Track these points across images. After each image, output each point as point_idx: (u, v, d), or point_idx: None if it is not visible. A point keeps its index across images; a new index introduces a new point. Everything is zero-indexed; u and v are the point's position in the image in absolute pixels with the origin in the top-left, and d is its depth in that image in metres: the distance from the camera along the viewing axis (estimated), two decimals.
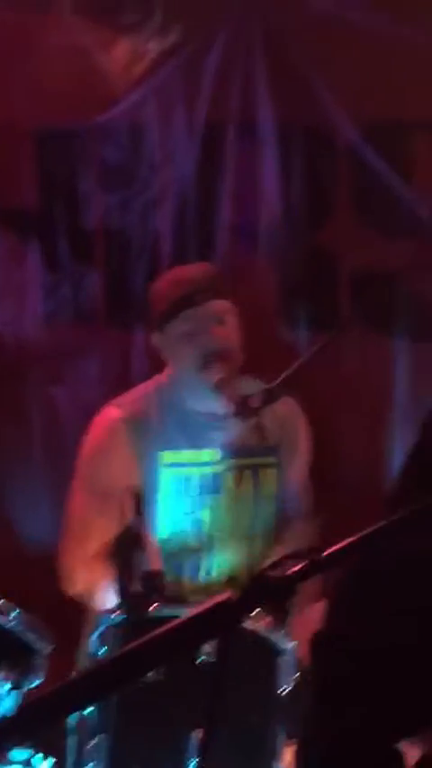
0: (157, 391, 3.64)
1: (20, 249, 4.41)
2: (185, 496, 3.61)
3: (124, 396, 3.69)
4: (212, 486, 3.62)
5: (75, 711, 1.52)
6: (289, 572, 1.40)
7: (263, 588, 1.40)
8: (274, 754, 2.93)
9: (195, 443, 3.61)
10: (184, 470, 3.60)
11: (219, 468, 3.62)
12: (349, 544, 1.40)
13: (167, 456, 3.60)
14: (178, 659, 2.81)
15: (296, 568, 1.40)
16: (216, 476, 3.62)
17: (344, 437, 4.09)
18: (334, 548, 1.41)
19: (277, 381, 3.57)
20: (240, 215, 4.22)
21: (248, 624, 2.92)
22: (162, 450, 3.58)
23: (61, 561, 3.58)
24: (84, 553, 3.47)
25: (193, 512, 3.61)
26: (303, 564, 1.41)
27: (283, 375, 3.57)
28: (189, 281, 3.58)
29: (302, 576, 1.39)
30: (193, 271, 3.68)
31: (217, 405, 3.58)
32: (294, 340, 4.14)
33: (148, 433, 3.59)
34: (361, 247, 4.09)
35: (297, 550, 1.38)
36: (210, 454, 3.62)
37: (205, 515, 3.61)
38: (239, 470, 3.64)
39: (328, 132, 4.10)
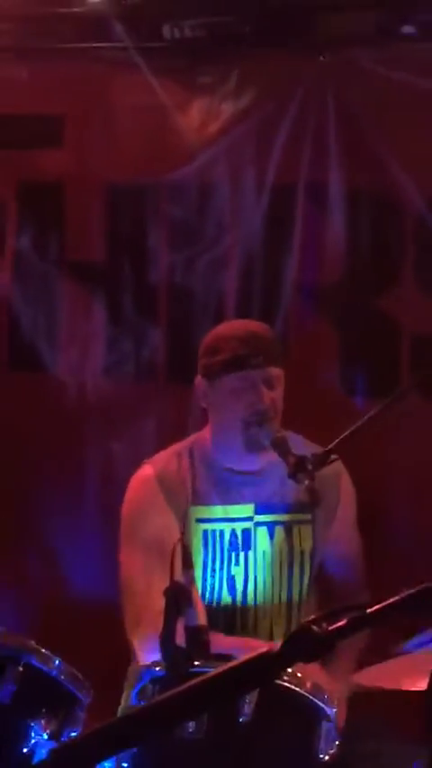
0: (191, 447, 3.66)
1: (86, 301, 4.45)
2: (217, 553, 3.60)
3: (158, 454, 3.71)
4: (244, 543, 3.61)
5: (109, 755, 1.50)
6: (331, 627, 1.37)
7: (304, 642, 1.38)
8: None
9: (227, 499, 3.60)
10: (216, 526, 3.60)
11: (250, 525, 3.61)
12: (392, 603, 1.38)
13: (199, 511, 3.60)
14: (219, 717, 2.79)
15: (339, 624, 1.38)
16: (247, 532, 3.61)
17: (396, 506, 4.05)
18: (377, 606, 1.39)
19: (333, 444, 3.55)
20: (305, 277, 4.23)
21: (293, 686, 2.89)
22: (193, 506, 3.58)
23: (124, 619, 3.57)
24: (144, 610, 3.44)
25: (224, 569, 3.60)
26: (346, 620, 1.39)
27: (338, 438, 3.55)
28: (252, 339, 3.57)
29: (345, 632, 1.37)
30: (257, 329, 3.66)
31: (252, 460, 3.58)
32: (351, 403, 4.12)
33: (179, 488, 3.59)
34: (423, 315, 4.08)
35: (341, 606, 1.36)
36: (242, 510, 3.62)
37: (237, 572, 3.60)
38: (272, 526, 3.63)
39: (396, 200, 4.11)
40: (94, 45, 4.33)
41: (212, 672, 1.44)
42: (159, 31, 4.21)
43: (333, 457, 3.51)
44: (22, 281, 4.49)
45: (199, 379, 3.65)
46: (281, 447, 3.54)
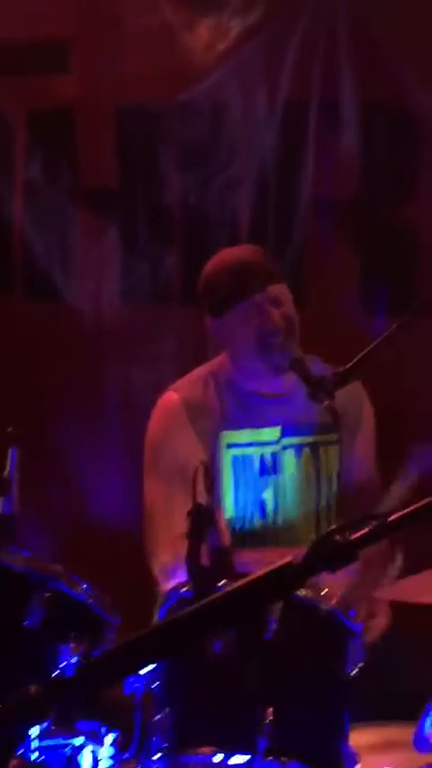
0: (214, 373, 3.66)
1: (99, 227, 4.44)
2: (247, 477, 3.63)
3: (182, 379, 3.72)
4: (273, 467, 3.63)
5: (134, 670, 1.53)
6: (353, 536, 1.39)
7: (326, 551, 1.39)
8: (342, 735, 2.91)
9: (254, 423, 3.61)
10: (244, 450, 3.62)
11: (278, 448, 3.63)
12: (413, 511, 1.39)
13: (228, 437, 3.62)
14: (246, 635, 2.82)
15: (360, 533, 1.39)
16: (275, 455, 3.63)
17: (415, 426, 4.05)
18: (398, 514, 1.40)
19: (351, 364, 3.55)
20: (321, 193, 4.20)
21: (319, 602, 2.91)
22: (222, 431, 3.60)
23: (145, 544, 3.61)
24: (163, 534, 3.49)
25: (255, 492, 3.62)
26: (368, 528, 1.40)
27: (357, 357, 3.56)
28: (243, 269, 3.56)
29: (367, 540, 1.38)
30: (245, 255, 3.63)
31: (276, 383, 3.58)
32: (371, 321, 4.11)
33: (206, 415, 3.61)
34: None
35: (363, 516, 1.37)
36: (269, 433, 3.63)
37: (267, 496, 3.63)
38: (299, 449, 3.64)
39: (411, 111, 4.07)
40: None
41: (237, 583, 1.45)
42: None
43: (353, 376, 3.53)
44: (34, 210, 4.47)
45: (208, 320, 3.66)
46: (299, 368, 3.55)
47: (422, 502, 1.40)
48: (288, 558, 1.43)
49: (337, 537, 1.40)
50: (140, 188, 4.38)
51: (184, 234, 4.35)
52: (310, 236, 4.21)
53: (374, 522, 1.40)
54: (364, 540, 1.39)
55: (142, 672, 2.88)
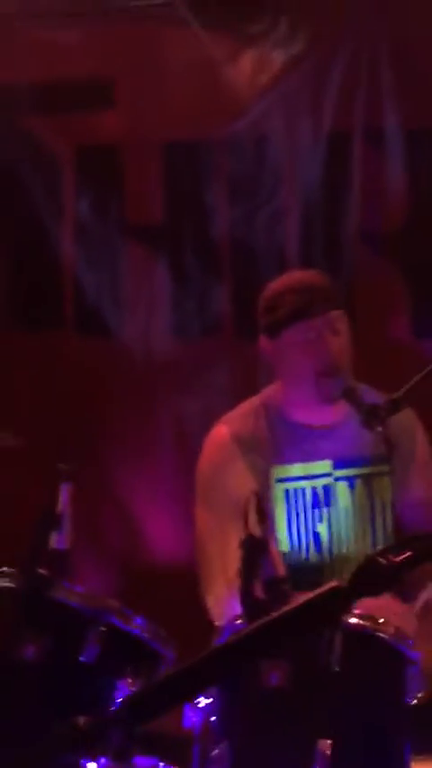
0: (265, 405, 3.65)
1: (149, 262, 4.47)
2: (300, 511, 3.62)
3: (232, 412, 3.72)
4: (326, 499, 3.62)
5: (183, 700, 1.53)
6: (399, 558, 1.38)
7: (371, 574, 1.39)
8: (403, 766, 2.89)
9: (306, 456, 3.61)
10: (296, 484, 3.62)
11: (331, 480, 3.62)
12: None
13: (278, 471, 3.61)
14: (303, 665, 2.81)
15: (404, 555, 1.38)
16: (328, 488, 3.62)
17: None
18: None
19: (403, 390, 3.54)
20: (367, 222, 4.20)
21: (376, 632, 2.90)
22: (273, 465, 3.60)
23: (199, 579, 3.61)
24: (216, 568, 3.49)
25: (308, 526, 3.61)
26: (412, 551, 1.40)
27: (408, 384, 3.54)
28: (307, 289, 3.56)
29: (411, 563, 1.37)
30: (310, 278, 3.64)
31: (327, 414, 3.58)
32: (421, 348, 4.09)
33: (257, 448, 3.60)
34: None
35: (407, 537, 1.36)
36: (321, 466, 3.62)
37: (322, 529, 3.61)
38: (352, 481, 3.63)
39: None
40: (142, 3, 4.32)
41: (285, 608, 1.45)
42: None
43: (404, 403, 3.51)
44: (84, 246, 4.51)
45: (263, 340, 3.65)
46: (352, 396, 3.54)
47: None
48: (334, 583, 1.42)
49: (382, 560, 1.39)
50: (188, 222, 4.40)
51: (232, 266, 4.37)
52: (359, 266, 4.21)
53: (418, 545, 1.39)
54: (408, 563, 1.38)
55: (198, 704, 2.88)
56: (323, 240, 4.25)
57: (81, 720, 1.47)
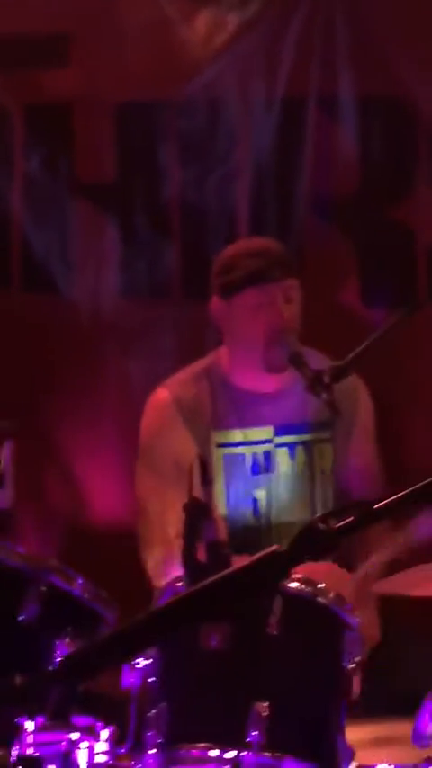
0: (208, 370, 3.67)
1: (99, 221, 4.45)
2: (239, 476, 3.63)
3: (174, 376, 3.73)
4: (266, 466, 3.63)
5: (121, 660, 1.53)
6: (338, 525, 1.39)
7: (311, 539, 1.40)
8: (338, 730, 2.91)
9: (247, 422, 3.62)
10: (236, 450, 3.63)
11: (271, 447, 3.63)
12: (397, 499, 1.39)
13: (218, 436, 3.62)
14: (243, 628, 2.82)
15: (345, 521, 1.39)
16: (268, 454, 3.63)
17: (416, 414, 4.05)
18: (383, 502, 1.41)
19: (349, 357, 3.56)
20: (319, 189, 4.20)
21: (319, 598, 2.92)
22: (213, 430, 3.60)
23: (139, 540, 3.62)
24: (157, 530, 3.50)
25: (247, 491, 3.63)
26: (352, 517, 1.41)
27: (354, 352, 3.57)
28: (265, 255, 3.59)
29: (351, 528, 1.38)
30: (268, 244, 3.68)
31: (270, 381, 3.59)
32: (371, 317, 4.11)
33: (198, 413, 3.62)
34: None
35: (348, 503, 1.37)
36: (262, 433, 3.64)
37: (260, 495, 3.63)
38: (293, 447, 3.64)
39: (410, 107, 4.06)
40: None
41: (224, 573, 1.45)
42: None
43: (350, 370, 3.53)
44: (33, 204, 4.48)
45: (215, 300, 3.65)
46: (298, 362, 3.55)
47: (406, 491, 1.40)
48: (274, 547, 1.43)
49: (322, 526, 1.40)
50: (139, 182, 4.38)
51: (182, 228, 4.35)
52: (309, 230, 4.21)
53: (359, 511, 1.40)
54: (347, 529, 1.39)
55: (137, 665, 2.89)
56: (274, 205, 4.25)
57: (18, 679, 1.47)
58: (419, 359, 4.07)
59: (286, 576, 1.41)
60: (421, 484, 1.39)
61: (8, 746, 2.83)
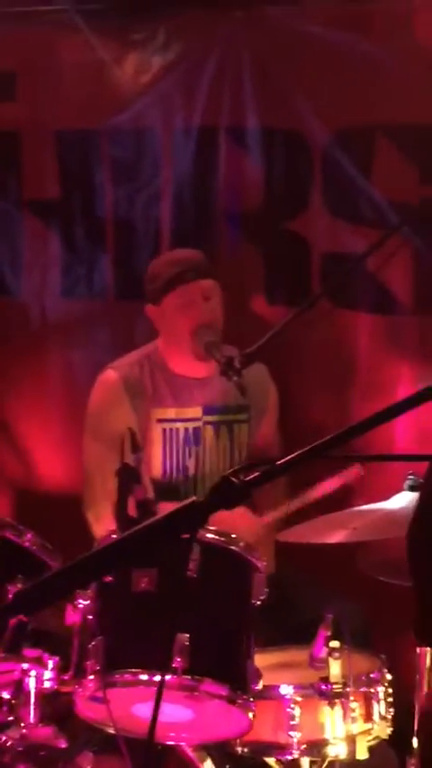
0: (149, 356, 3.69)
1: (44, 233, 4.41)
2: (174, 447, 3.65)
3: (120, 359, 3.73)
4: (195, 439, 3.66)
5: (63, 595, 1.52)
6: (248, 477, 1.39)
7: (225, 491, 1.39)
8: (248, 655, 2.92)
9: (180, 402, 3.65)
10: (172, 425, 3.64)
11: (200, 424, 3.66)
12: (298, 455, 1.39)
13: (157, 412, 3.64)
14: (168, 572, 2.82)
15: (253, 475, 1.39)
16: (197, 430, 3.66)
17: (310, 398, 4.08)
18: (286, 459, 1.40)
19: (255, 347, 3.59)
20: (230, 206, 4.20)
21: (232, 546, 2.92)
22: (153, 407, 3.61)
23: (84, 500, 3.61)
24: (99, 490, 3.50)
25: (180, 460, 3.65)
26: (260, 471, 1.40)
27: (259, 342, 3.60)
28: (180, 262, 3.65)
29: (259, 480, 1.38)
30: (183, 254, 3.76)
31: (200, 368, 3.61)
32: (273, 313, 4.12)
33: (140, 392, 3.64)
34: (330, 234, 4.07)
35: (255, 461, 1.37)
36: (192, 412, 3.67)
37: (190, 463, 3.66)
38: (217, 425, 3.68)
39: (305, 137, 4.07)
40: (40, 8, 4.23)
41: (147, 521, 1.44)
42: None
43: (256, 357, 3.56)
44: None
45: (148, 307, 3.69)
46: (211, 349, 3.59)
47: (306, 448, 1.40)
48: (192, 498, 1.42)
49: (234, 479, 1.40)
50: (78, 199, 4.35)
51: (115, 239, 4.33)
52: (222, 240, 4.21)
53: (265, 466, 1.40)
54: (256, 481, 1.39)
55: (78, 605, 2.87)
56: (193, 219, 4.24)
57: None
58: (313, 348, 4.09)
59: (205, 521, 1.41)
60: (311, 445, 1.39)
61: None
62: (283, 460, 1.41)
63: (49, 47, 4.27)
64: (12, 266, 4.44)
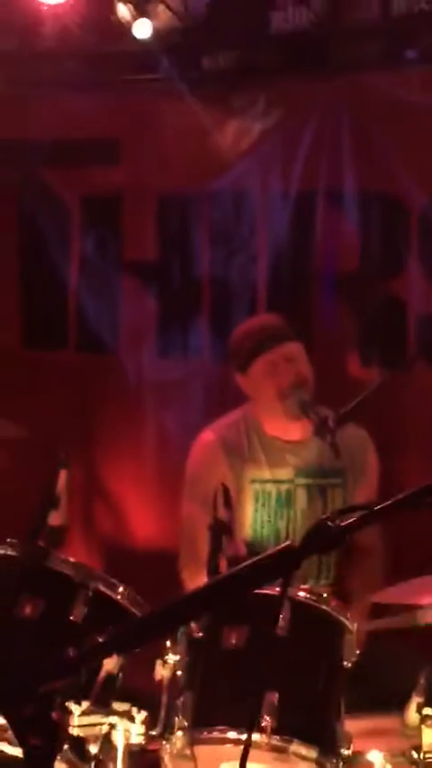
0: (245, 418, 3.72)
1: (141, 294, 4.47)
2: (266, 508, 3.65)
3: (218, 422, 3.76)
4: (287, 501, 3.65)
5: (159, 635, 1.50)
6: (344, 523, 1.37)
7: (320, 536, 1.38)
8: (338, 718, 2.86)
9: (274, 464, 3.65)
10: (265, 486, 3.65)
11: (292, 486, 3.65)
12: (396, 501, 1.37)
13: (252, 473, 3.64)
14: (258, 630, 2.78)
15: (350, 520, 1.37)
16: (289, 492, 3.65)
17: (405, 461, 4.03)
18: (383, 504, 1.39)
19: (349, 406, 3.57)
20: (326, 269, 4.22)
21: (323, 605, 2.88)
22: (248, 467, 3.62)
23: (179, 560, 3.62)
24: (195, 548, 3.49)
25: (271, 521, 3.64)
26: (356, 517, 1.39)
27: (354, 401, 3.57)
28: (260, 331, 3.70)
29: (356, 526, 1.36)
30: (261, 321, 3.80)
31: (294, 430, 3.62)
32: (367, 375, 4.10)
33: (237, 452, 3.66)
34: (426, 297, 4.06)
35: (351, 505, 1.36)
36: (285, 473, 3.66)
37: (281, 524, 3.65)
38: (309, 488, 3.66)
39: (402, 200, 4.08)
40: (144, 77, 4.34)
41: (241, 565, 1.43)
42: (198, 63, 4.22)
43: (351, 417, 3.54)
44: (87, 278, 4.52)
45: (237, 376, 3.74)
46: (305, 409, 3.58)
47: (405, 492, 1.38)
48: (287, 543, 1.41)
49: (329, 523, 1.38)
50: (176, 261, 4.41)
51: (211, 299, 4.38)
52: (317, 302, 4.23)
53: (362, 511, 1.38)
54: (353, 527, 1.37)
55: (167, 661, 2.86)
56: (288, 282, 4.27)
57: (70, 651, 1.45)
58: (409, 409, 4.06)
59: (299, 566, 1.39)
60: (411, 490, 1.37)
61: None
62: (380, 506, 1.39)
63: (153, 113, 4.37)
64: (110, 325, 4.51)
